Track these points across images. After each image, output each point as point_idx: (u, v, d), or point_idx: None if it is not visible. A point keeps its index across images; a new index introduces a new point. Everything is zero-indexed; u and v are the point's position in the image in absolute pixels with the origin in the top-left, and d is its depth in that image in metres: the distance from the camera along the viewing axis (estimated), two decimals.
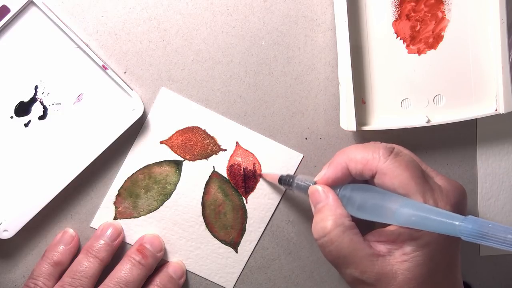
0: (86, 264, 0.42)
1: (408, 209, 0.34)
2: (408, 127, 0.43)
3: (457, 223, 0.31)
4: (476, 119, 0.46)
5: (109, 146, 0.43)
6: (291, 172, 0.46)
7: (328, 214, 0.37)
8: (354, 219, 0.38)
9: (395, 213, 0.34)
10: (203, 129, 0.45)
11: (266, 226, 0.46)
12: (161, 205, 0.46)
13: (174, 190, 0.46)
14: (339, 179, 0.39)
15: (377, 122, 0.44)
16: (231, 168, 0.46)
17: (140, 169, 0.45)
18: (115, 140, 0.43)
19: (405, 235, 0.36)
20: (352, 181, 0.39)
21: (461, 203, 0.37)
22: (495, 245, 0.30)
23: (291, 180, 0.42)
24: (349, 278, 0.37)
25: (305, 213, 0.46)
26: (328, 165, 0.39)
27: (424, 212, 0.33)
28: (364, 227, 0.38)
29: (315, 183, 0.40)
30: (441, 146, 0.47)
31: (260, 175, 0.46)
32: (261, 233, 0.46)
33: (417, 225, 0.34)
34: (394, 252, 0.36)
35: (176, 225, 0.46)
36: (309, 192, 0.40)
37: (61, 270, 0.43)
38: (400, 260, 0.35)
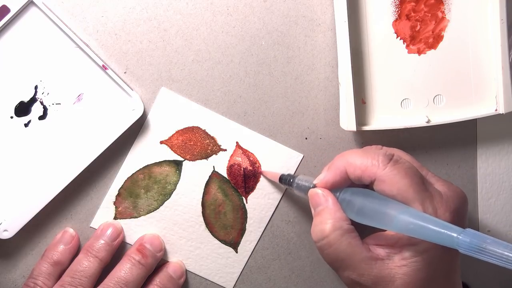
0: (86, 264, 0.42)
1: (407, 216, 0.34)
2: (408, 127, 0.43)
3: (455, 235, 0.31)
4: (476, 119, 0.46)
5: (109, 146, 0.43)
6: (291, 172, 0.46)
7: (327, 217, 0.37)
8: (354, 223, 0.38)
9: (393, 220, 0.34)
10: (203, 129, 0.45)
11: (266, 226, 0.46)
12: (161, 205, 0.46)
13: (174, 190, 0.46)
14: (338, 183, 0.39)
15: (377, 122, 0.44)
16: (231, 168, 0.46)
17: (140, 169, 0.45)
18: (115, 140, 0.43)
19: (404, 240, 0.36)
20: (351, 185, 0.39)
21: (462, 210, 0.37)
22: (492, 260, 0.29)
23: (291, 180, 0.42)
24: (347, 280, 0.37)
25: (305, 213, 0.46)
26: (327, 168, 0.39)
27: (423, 221, 0.33)
28: (364, 230, 0.38)
29: (314, 186, 0.40)
30: (441, 146, 0.47)
31: (261, 173, 0.46)
32: (261, 233, 0.46)
33: (415, 234, 0.33)
34: (393, 257, 0.36)
35: (176, 225, 0.46)
36: (309, 195, 0.40)
37: (61, 269, 0.43)
38: (399, 265, 0.35)
